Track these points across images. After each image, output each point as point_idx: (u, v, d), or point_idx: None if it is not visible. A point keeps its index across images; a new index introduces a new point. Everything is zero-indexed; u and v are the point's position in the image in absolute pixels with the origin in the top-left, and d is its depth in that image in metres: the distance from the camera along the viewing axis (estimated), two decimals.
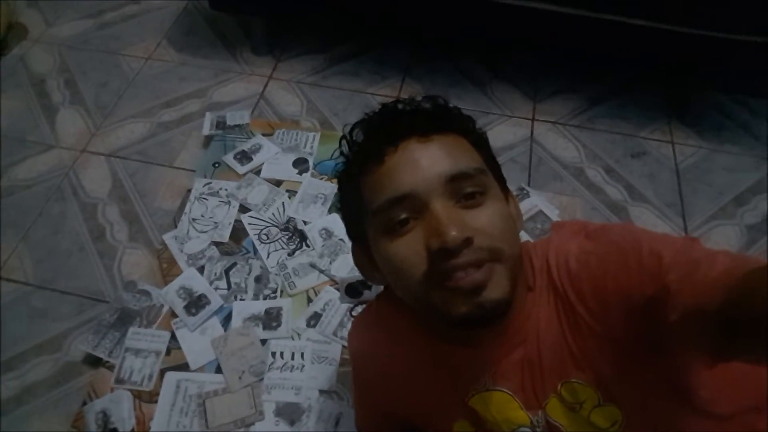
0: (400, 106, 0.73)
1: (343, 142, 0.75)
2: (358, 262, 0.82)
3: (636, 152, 1.79)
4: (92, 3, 2.24)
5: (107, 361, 1.32)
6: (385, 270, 0.70)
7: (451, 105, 0.74)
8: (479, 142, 0.73)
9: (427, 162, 0.65)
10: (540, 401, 0.71)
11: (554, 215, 1.60)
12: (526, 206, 1.63)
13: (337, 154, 0.77)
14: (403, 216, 0.65)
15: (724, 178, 1.71)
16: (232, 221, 1.58)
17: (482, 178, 0.67)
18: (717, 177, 1.72)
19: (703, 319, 0.53)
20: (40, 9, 2.22)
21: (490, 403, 0.74)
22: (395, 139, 0.67)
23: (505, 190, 0.74)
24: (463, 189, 0.64)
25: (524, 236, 1.55)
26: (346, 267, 1.46)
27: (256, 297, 1.44)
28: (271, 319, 1.39)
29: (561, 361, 0.69)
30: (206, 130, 1.79)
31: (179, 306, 1.40)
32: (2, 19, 2.03)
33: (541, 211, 1.61)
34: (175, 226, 1.57)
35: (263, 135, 1.78)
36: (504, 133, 1.83)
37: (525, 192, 1.66)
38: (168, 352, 1.34)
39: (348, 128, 0.75)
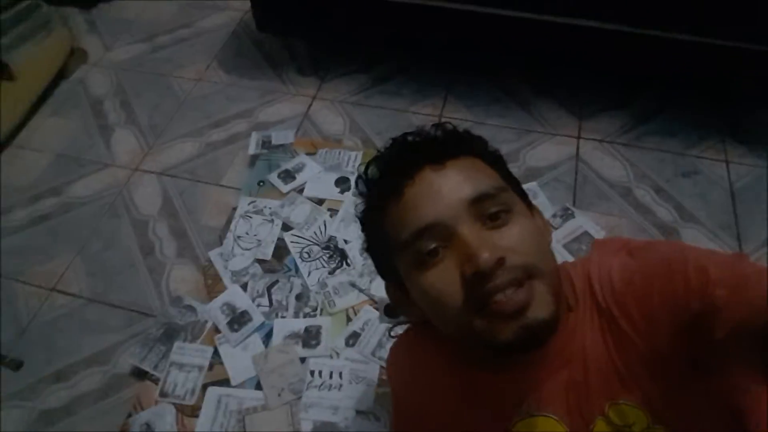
0: (410, 137, 0.73)
1: (360, 181, 0.76)
2: (393, 300, 0.81)
3: (687, 171, 1.73)
4: (147, 27, 2.34)
5: (152, 375, 1.36)
6: (422, 303, 0.69)
7: (460, 128, 0.74)
8: (495, 161, 0.72)
9: (447, 189, 0.65)
10: (587, 424, 0.69)
11: (600, 236, 1.56)
12: (571, 227, 1.59)
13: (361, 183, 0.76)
14: (432, 246, 0.64)
15: None
16: (275, 239, 1.60)
17: (504, 196, 0.66)
18: None
19: (752, 336, 0.52)
20: (99, 34, 2.34)
21: (534, 430, 0.72)
22: (411, 170, 0.67)
23: (529, 204, 0.72)
24: (487, 210, 0.64)
25: (569, 257, 1.51)
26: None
27: (296, 315, 1.46)
28: (310, 338, 1.41)
29: (608, 382, 0.66)
30: (252, 150, 1.84)
31: (222, 322, 1.43)
32: (66, 45, 2.14)
33: (586, 232, 1.58)
34: (221, 244, 1.61)
35: (307, 154, 1.82)
36: (548, 151, 1.81)
37: (570, 212, 1.62)
38: (210, 367, 1.37)
39: (362, 167, 0.75)
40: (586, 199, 1.68)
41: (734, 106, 1.84)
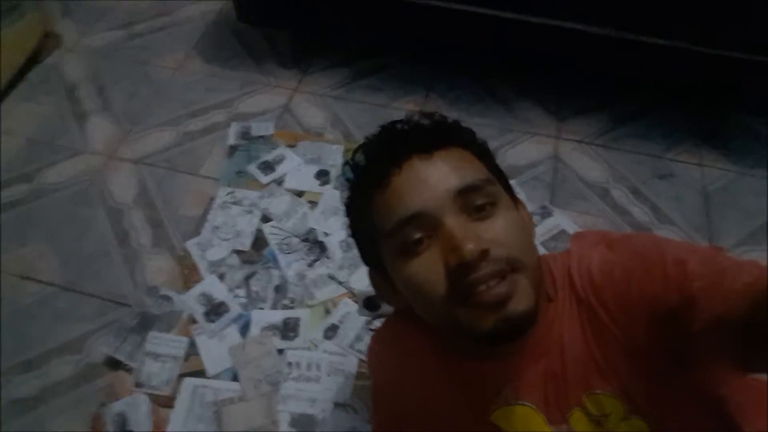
0: (398, 125, 0.73)
1: (347, 167, 0.75)
2: (376, 287, 0.81)
3: (663, 174, 1.76)
4: (124, 14, 2.30)
5: (127, 365, 1.34)
6: (405, 292, 0.69)
7: (449, 119, 0.74)
8: (482, 153, 0.73)
9: (433, 179, 0.65)
10: (564, 414, 0.70)
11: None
12: (549, 225, 1.61)
13: (348, 170, 0.76)
14: (417, 236, 0.64)
15: (753, 203, 1.68)
16: (254, 230, 1.59)
17: (490, 189, 0.66)
18: (746, 201, 1.69)
19: (729, 328, 0.53)
20: (75, 19, 2.28)
21: (512, 418, 0.73)
22: (398, 159, 0.67)
23: (514, 197, 0.73)
24: (473, 202, 0.64)
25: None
26: (364, 280, 1.44)
27: (274, 307, 1.44)
28: (288, 329, 1.39)
29: (585, 372, 0.68)
30: (231, 140, 1.82)
31: (199, 312, 1.41)
32: (39, 29, 2.09)
33: (563, 231, 1.60)
34: (198, 234, 1.59)
35: (287, 146, 1.80)
36: (527, 150, 1.83)
37: (548, 210, 1.64)
38: (186, 357, 1.35)
39: (350, 154, 0.75)
40: (564, 199, 1.71)
41: (709, 111, 1.89)
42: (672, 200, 1.70)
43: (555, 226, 1.61)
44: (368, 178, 0.71)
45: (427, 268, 0.64)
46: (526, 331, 0.64)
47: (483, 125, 1.88)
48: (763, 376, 0.63)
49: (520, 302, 0.61)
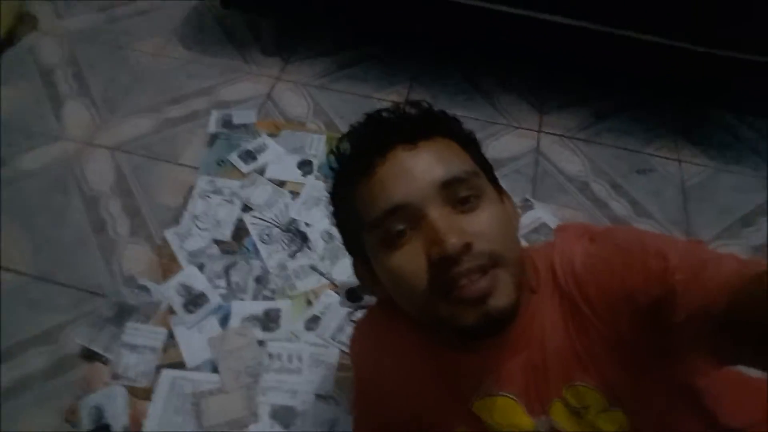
0: (385, 114, 0.72)
1: (332, 156, 0.74)
2: (359, 276, 0.80)
3: (642, 168, 1.78)
4: None
5: (103, 356, 1.31)
6: (387, 283, 0.69)
7: (436, 109, 0.73)
8: (468, 144, 0.72)
9: (418, 170, 0.64)
10: (544, 406, 0.70)
11: (561, 224, 1.59)
12: (530, 218, 1.62)
13: (332, 158, 0.75)
14: (400, 227, 0.63)
15: (730, 198, 1.71)
16: (235, 220, 1.57)
17: (475, 181, 0.66)
18: (723, 196, 1.71)
19: (708, 320, 0.53)
20: (52, 1, 2.22)
21: (493, 409, 0.73)
22: (383, 149, 0.66)
23: (499, 190, 0.73)
24: (457, 194, 0.63)
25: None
26: (347, 271, 1.46)
27: (255, 297, 1.43)
28: (269, 321, 1.38)
29: (566, 364, 0.68)
30: (212, 128, 1.79)
31: (178, 303, 1.39)
32: (13, 9, 2.03)
33: (544, 223, 1.61)
34: (177, 223, 1.56)
35: (269, 135, 1.78)
36: (509, 143, 1.83)
37: (529, 204, 1.65)
38: (165, 349, 1.33)
39: (334, 143, 0.74)
40: (545, 192, 1.71)
41: (689, 107, 1.91)
42: (651, 195, 1.72)
43: (536, 219, 1.62)
44: (352, 167, 0.70)
45: (410, 260, 0.63)
46: (507, 325, 0.64)
47: (466, 117, 1.86)
48: (739, 369, 0.64)
49: (501, 298, 0.61)
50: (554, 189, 1.73)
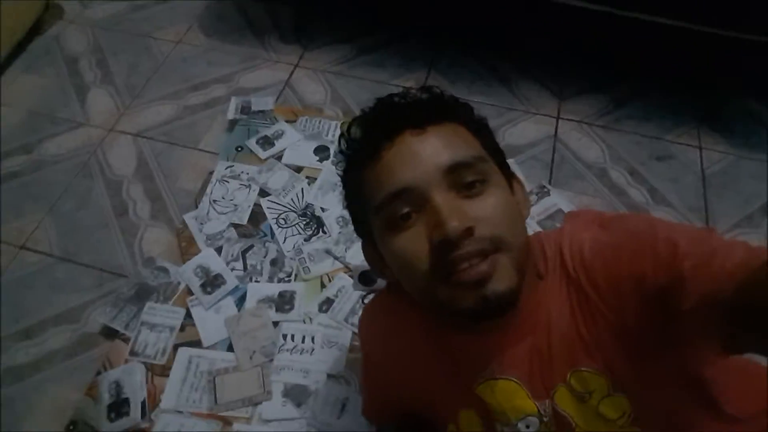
0: (395, 99, 0.72)
1: (342, 139, 0.75)
2: (368, 259, 0.81)
3: (661, 155, 1.76)
4: None
5: (123, 334, 1.35)
6: (391, 266, 0.70)
7: (446, 94, 0.73)
8: (478, 129, 0.72)
9: (424, 154, 0.64)
10: (548, 390, 0.71)
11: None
12: (546, 204, 1.61)
13: (343, 142, 0.76)
14: (405, 210, 0.64)
15: (751, 186, 1.68)
16: (252, 204, 1.59)
17: (482, 166, 0.66)
18: (744, 184, 1.68)
19: (716, 308, 0.53)
20: None
21: (496, 392, 0.73)
22: (391, 133, 0.67)
23: (510, 176, 0.73)
24: (462, 179, 0.64)
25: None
26: (360, 255, 1.44)
27: (270, 280, 1.45)
28: (284, 302, 1.41)
29: (571, 349, 0.68)
30: (231, 115, 1.82)
31: (195, 284, 1.42)
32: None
33: (560, 210, 1.60)
34: (196, 207, 1.60)
35: (286, 121, 1.80)
36: (527, 130, 1.82)
37: (546, 190, 1.64)
38: (182, 328, 1.37)
39: (345, 126, 0.75)
40: (562, 178, 1.70)
41: (710, 93, 1.88)
42: (669, 182, 1.69)
43: (552, 206, 1.61)
44: (361, 151, 0.71)
45: (412, 243, 0.64)
46: (507, 310, 0.64)
47: (484, 104, 1.87)
48: (746, 357, 0.63)
49: (500, 282, 0.61)
50: (572, 176, 1.71)
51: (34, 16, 2.05)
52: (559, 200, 1.62)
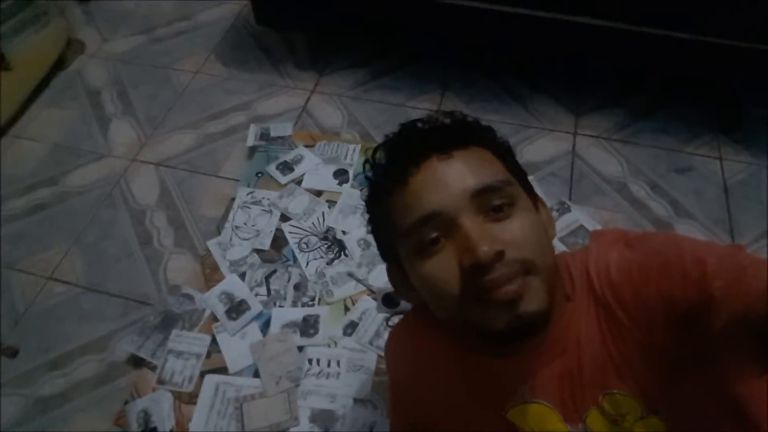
0: (419, 124, 0.73)
1: (367, 165, 0.76)
2: (393, 283, 0.81)
3: (681, 168, 1.75)
4: (145, 20, 2.34)
5: (150, 362, 1.36)
6: (420, 290, 0.69)
7: (469, 118, 0.74)
8: (502, 152, 0.72)
9: (451, 179, 0.65)
10: (580, 413, 0.69)
11: (596, 229, 1.57)
12: (567, 221, 1.61)
13: (368, 168, 0.77)
14: (434, 235, 0.64)
15: None
16: (273, 230, 1.61)
17: (509, 189, 0.66)
18: (767, 194, 1.66)
19: (748, 327, 0.52)
20: (97, 26, 2.33)
21: (528, 416, 0.72)
22: (417, 159, 0.67)
23: (534, 197, 0.73)
24: (490, 202, 0.64)
25: (564, 250, 1.53)
26: (383, 277, 1.46)
27: (294, 304, 1.46)
28: (308, 327, 1.41)
29: (602, 372, 0.67)
30: (250, 142, 1.84)
31: (220, 311, 1.43)
32: (62, 36, 2.14)
33: (582, 226, 1.59)
34: (219, 233, 1.61)
35: (305, 146, 1.82)
36: (545, 147, 1.82)
37: (566, 206, 1.64)
38: (208, 355, 1.38)
39: (370, 151, 0.76)
40: (582, 194, 1.70)
41: (728, 104, 1.87)
42: (691, 194, 1.68)
43: (573, 222, 1.61)
44: (387, 176, 0.71)
45: (442, 267, 0.64)
46: (539, 331, 0.64)
47: (499, 122, 1.88)
48: None
49: (532, 303, 0.61)
50: (592, 191, 1.71)
51: (57, 52, 2.11)
52: (580, 216, 1.62)
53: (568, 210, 1.63)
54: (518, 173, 0.72)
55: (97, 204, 1.72)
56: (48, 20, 2.06)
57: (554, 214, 1.61)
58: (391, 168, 0.71)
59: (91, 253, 1.61)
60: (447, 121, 0.73)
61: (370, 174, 0.76)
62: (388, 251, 0.77)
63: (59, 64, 2.14)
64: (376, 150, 0.75)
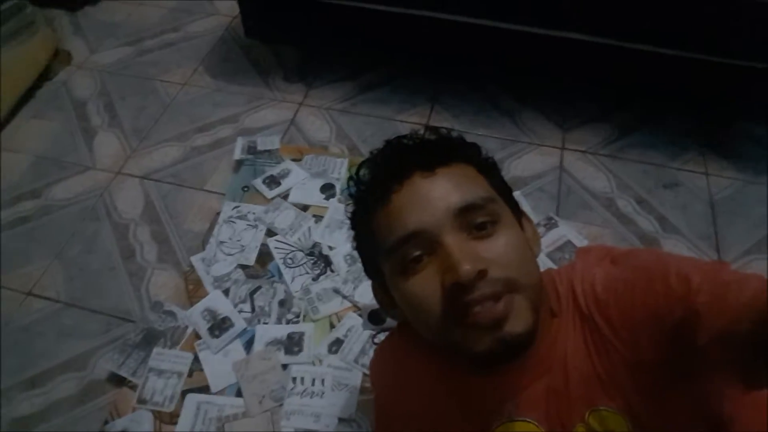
0: (404, 141, 0.72)
1: (351, 182, 0.75)
2: (378, 300, 0.81)
3: (668, 183, 1.75)
4: (133, 31, 2.33)
5: (130, 381, 1.34)
6: (403, 308, 0.69)
7: (454, 134, 0.74)
8: (487, 169, 0.72)
9: (434, 196, 0.64)
10: (567, 430, 0.69)
11: (583, 245, 1.57)
12: (554, 236, 1.60)
13: (352, 184, 0.76)
14: (416, 253, 0.64)
15: (760, 211, 1.66)
16: (259, 245, 1.59)
17: (492, 207, 0.66)
18: (753, 210, 1.67)
19: (734, 342, 0.52)
20: (85, 37, 2.31)
21: None
22: (400, 176, 0.67)
23: (519, 214, 0.72)
24: (473, 220, 0.63)
25: (552, 266, 1.52)
26: (369, 293, 1.44)
27: (279, 321, 1.44)
28: (293, 344, 1.39)
29: (589, 389, 0.67)
30: (237, 155, 1.83)
31: (203, 328, 1.41)
32: (49, 46, 2.12)
33: (569, 242, 1.59)
34: (203, 249, 1.59)
35: (292, 160, 1.81)
36: (532, 162, 1.82)
37: (553, 221, 1.63)
38: (190, 373, 1.35)
39: (354, 170, 0.75)
40: (569, 209, 1.70)
41: (715, 119, 1.87)
42: (678, 209, 1.68)
43: (560, 237, 1.60)
44: (370, 194, 0.71)
45: (425, 286, 0.63)
46: (524, 351, 0.64)
47: (488, 137, 1.88)
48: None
49: (517, 323, 0.61)
50: (579, 206, 1.71)
51: (43, 62, 2.10)
52: (567, 231, 1.61)
53: (556, 225, 1.63)
54: (503, 190, 0.72)
55: (80, 217, 1.70)
56: (35, 30, 2.05)
57: (541, 229, 1.61)
58: (374, 185, 0.71)
59: (72, 267, 1.58)
60: (432, 137, 0.73)
61: (354, 191, 0.76)
62: (372, 268, 0.77)
63: (45, 75, 2.12)
64: (359, 167, 0.75)
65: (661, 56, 1.57)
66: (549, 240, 1.60)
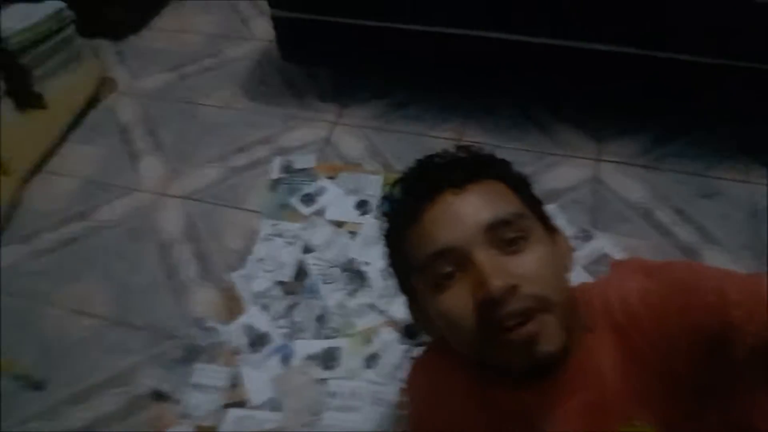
0: (435, 159, 0.74)
1: (385, 201, 0.77)
2: (413, 315, 0.83)
3: (708, 192, 1.71)
4: (174, 58, 2.42)
5: (173, 396, 1.38)
6: (437, 323, 0.70)
7: (484, 152, 0.75)
8: (517, 185, 0.73)
9: (464, 213, 0.66)
10: None
11: (620, 258, 1.55)
12: (589, 249, 1.59)
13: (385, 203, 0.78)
14: (448, 270, 0.65)
15: None
16: (296, 261, 1.62)
17: (523, 223, 0.66)
18: None
19: None
20: (128, 64, 2.42)
21: None
22: (431, 194, 0.68)
23: (551, 229, 0.73)
24: (504, 236, 0.64)
25: (588, 279, 1.50)
26: (405, 308, 1.46)
27: (316, 336, 1.46)
28: (330, 359, 1.41)
29: (624, 403, 0.66)
30: (274, 174, 1.87)
31: (243, 343, 1.45)
32: (95, 75, 2.22)
33: (606, 254, 1.57)
34: (243, 266, 1.63)
35: (327, 178, 1.85)
36: (566, 173, 1.81)
37: (589, 234, 1.62)
38: (230, 388, 1.38)
39: (387, 188, 0.77)
40: (605, 221, 1.67)
41: (754, 126, 1.83)
42: (719, 219, 1.64)
43: (596, 250, 1.58)
44: (403, 212, 0.73)
45: (457, 302, 0.64)
46: (557, 367, 0.64)
47: (521, 150, 1.87)
48: None
49: (549, 342, 0.61)
50: (615, 218, 1.68)
51: (90, 90, 2.20)
52: (604, 244, 1.59)
53: (591, 237, 1.61)
54: (534, 205, 0.73)
55: (126, 238, 1.76)
56: (82, 60, 2.16)
57: (576, 242, 1.59)
58: (406, 203, 0.72)
59: (118, 286, 1.64)
60: (462, 155, 0.74)
61: (386, 209, 0.78)
62: (406, 285, 0.78)
63: (92, 102, 2.22)
64: (393, 186, 0.77)
65: (698, 64, 1.55)
66: (584, 252, 1.58)
